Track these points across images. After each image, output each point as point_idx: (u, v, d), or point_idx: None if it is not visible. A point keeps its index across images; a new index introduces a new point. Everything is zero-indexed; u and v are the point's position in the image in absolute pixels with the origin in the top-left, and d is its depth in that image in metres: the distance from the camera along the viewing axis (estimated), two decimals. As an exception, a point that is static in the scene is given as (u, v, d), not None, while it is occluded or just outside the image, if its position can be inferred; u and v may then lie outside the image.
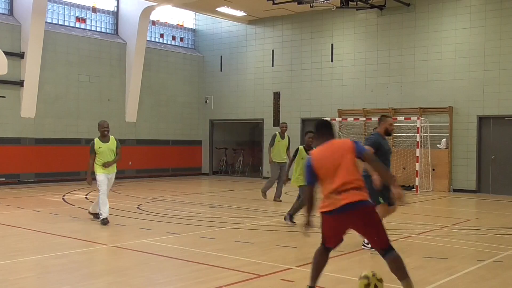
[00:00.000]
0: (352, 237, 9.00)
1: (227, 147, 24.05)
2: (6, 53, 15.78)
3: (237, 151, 24.27)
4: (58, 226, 9.61)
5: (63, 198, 14.02)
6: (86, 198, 14.17)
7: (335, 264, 7.02)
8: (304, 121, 20.87)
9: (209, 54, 23.66)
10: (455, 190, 17.27)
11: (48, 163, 18.40)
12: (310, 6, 18.13)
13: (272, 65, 21.71)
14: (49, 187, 16.74)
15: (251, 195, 16.25)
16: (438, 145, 17.53)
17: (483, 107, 16.95)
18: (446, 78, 17.60)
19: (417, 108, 17.90)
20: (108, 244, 8.01)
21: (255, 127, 24.12)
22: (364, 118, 18.70)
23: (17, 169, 17.73)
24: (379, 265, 6.99)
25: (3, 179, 17.33)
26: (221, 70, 23.25)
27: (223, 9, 20.33)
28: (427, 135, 17.60)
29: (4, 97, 17.11)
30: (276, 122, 21.45)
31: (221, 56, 23.22)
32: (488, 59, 16.86)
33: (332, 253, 7.60)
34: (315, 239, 9.04)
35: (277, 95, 21.54)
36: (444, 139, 17.42)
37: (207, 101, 23.55)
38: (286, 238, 8.96)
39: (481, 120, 17.08)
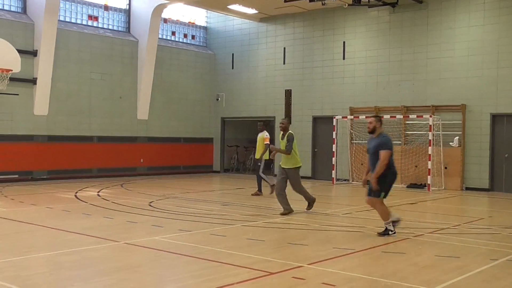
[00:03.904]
0: (364, 235, 8.98)
1: (239, 145, 24.06)
2: (20, 51, 15.92)
3: (248, 148, 24.26)
4: (70, 223, 9.66)
5: (75, 195, 14.11)
6: (98, 195, 14.25)
7: (347, 262, 7.00)
8: (315, 119, 20.81)
9: (221, 51, 23.68)
10: (467, 189, 17.15)
11: (60, 160, 18.52)
12: (322, 4, 18.06)
13: (284, 63, 21.67)
14: (61, 184, 16.85)
15: (263, 192, 16.23)
16: (450, 143, 17.41)
17: (496, 105, 16.80)
18: (459, 76, 17.46)
19: (429, 106, 17.79)
20: (120, 241, 8.04)
21: (267, 124, 24.02)
22: (376, 116, 18.60)
23: (30, 166, 17.86)
24: (391, 263, 6.96)
25: (16, 176, 17.47)
26: (232, 68, 23.25)
27: (235, 7, 20.31)
28: (439, 133, 17.49)
29: (17, 94, 17.23)
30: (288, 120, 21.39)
31: (233, 54, 23.22)
32: (502, 56, 16.71)
33: (343, 251, 7.61)
34: (327, 236, 9.02)
35: (288, 93, 21.50)
36: (457, 137, 17.29)
37: (219, 98, 23.57)
38: (297, 236, 8.94)
39: (495, 118, 16.94)
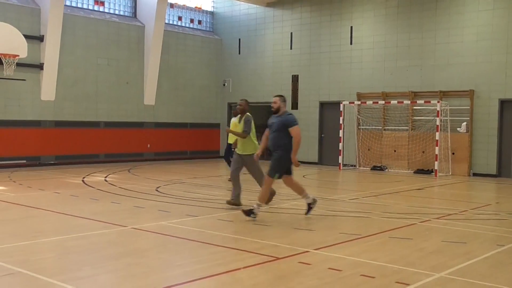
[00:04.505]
0: (371, 221, 8.98)
1: (245, 130, 24.01)
2: (26, 36, 15.91)
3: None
4: (78, 208, 9.72)
5: (83, 180, 14.18)
6: (106, 180, 14.31)
7: (353, 247, 7.01)
8: (322, 105, 20.75)
9: (227, 37, 23.58)
10: (475, 174, 17.10)
11: (67, 146, 18.59)
12: (329, -12, 17.91)
13: (291, 48, 21.57)
14: (69, 169, 16.93)
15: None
16: (458, 129, 17.33)
17: (505, 91, 16.68)
18: (468, 61, 17.33)
19: (437, 92, 17.69)
20: (127, 226, 8.08)
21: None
22: (383, 102, 18.55)
23: (38, 152, 17.95)
24: (398, 249, 6.96)
25: (24, 161, 17.57)
26: (239, 53, 23.17)
27: (241, -8, 20.18)
28: (447, 119, 17.41)
29: (24, 80, 17.28)
30: (295, 106, 21.38)
31: (239, 39, 23.12)
32: None
33: (349, 237, 7.63)
34: (334, 222, 9.03)
35: (295, 78, 21.43)
36: (465, 123, 17.21)
37: (225, 84, 23.53)
38: (304, 221, 8.96)
39: (503, 103, 16.83)
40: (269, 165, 8.82)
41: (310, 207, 9.16)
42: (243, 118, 10.23)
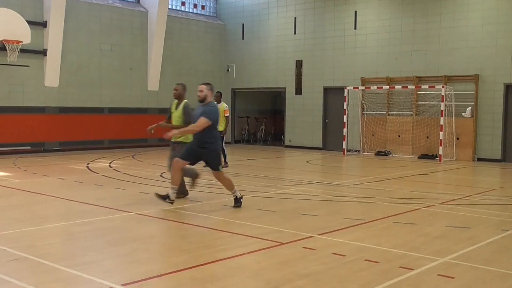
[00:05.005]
0: (375, 206, 8.99)
1: (249, 116, 24.04)
2: (29, 22, 15.88)
3: (259, 119, 24.25)
4: (83, 194, 9.75)
5: (87, 166, 14.21)
6: (110, 166, 14.34)
7: (357, 232, 7.03)
8: (326, 90, 20.69)
9: (231, 22, 23.47)
10: (479, 159, 17.07)
11: (72, 132, 18.61)
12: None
13: (295, 33, 21.46)
14: (73, 155, 16.97)
15: (273, 163, 16.29)
16: (463, 113, 17.26)
17: (510, 75, 16.57)
18: (473, 46, 17.21)
19: (442, 76, 17.59)
20: (132, 211, 8.11)
21: (277, 95, 24.01)
22: (387, 87, 18.48)
23: (42, 138, 17.98)
24: (402, 234, 6.97)
25: (29, 147, 17.61)
26: (243, 39, 23.07)
27: (245, -24, 20.04)
28: (451, 104, 17.33)
29: (28, 66, 17.26)
30: (299, 91, 21.33)
31: (243, 24, 23.01)
32: (517, 25, 16.43)
33: (353, 222, 7.64)
34: (338, 207, 9.04)
35: (299, 64, 21.34)
36: (469, 108, 17.13)
37: (229, 69, 23.46)
38: (308, 207, 8.98)
39: (508, 88, 16.73)
40: (212, 160, 8.39)
41: (239, 201, 8.56)
42: (182, 106, 9.17)
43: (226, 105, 14.46)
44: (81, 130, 18.81)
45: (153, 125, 9.55)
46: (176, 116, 9.15)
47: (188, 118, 8.87)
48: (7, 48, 15.45)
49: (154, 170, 13.41)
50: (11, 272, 5.12)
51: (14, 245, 6.09)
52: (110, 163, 15.07)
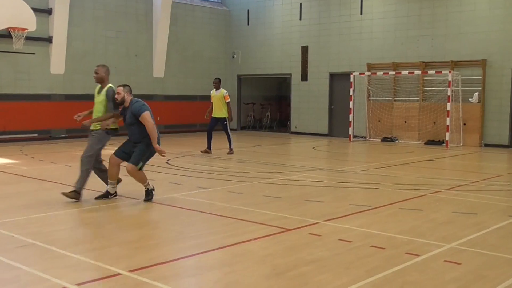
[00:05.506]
0: (381, 192, 8.99)
1: (255, 102, 24.00)
2: (34, 10, 15.83)
3: (264, 106, 24.22)
4: (89, 181, 9.76)
5: (93, 153, 14.23)
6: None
7: (364, 218, 7.03)
8: (332, 76, 20.60)
9: (236, 8, 23.35)
10: (486, 145, 17.00)
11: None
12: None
13: (300, 19, 21.33)
14: (79, 143, 16.98)
15: (279, 150, 16.29)
16: (470, 99, 17.17)
17: (518, 60, 16.45)
18: (480, 30, 17.05)
19: (448, 62, 17.47)
20: (139, 198, 8.14)
21: (283, 81, 23.94)
22: (393, 72, 18.37)
23: (49, 125, 18.03)
24: (408, 220, 6.98)
25: (35, 134, 17.67)
26: (248, 25, 22.96)
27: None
28: (458, 89, 17.23)
29: (34, 53, 17.26)
30: (304, 77, 21.26)
31: (248, 10, 22.89)
32: (525, 9, 16.26)
33: (359, 208, 7.65)
34: (344, 193, 9.04)
35: (305, 49, 21.24)
36: (477, 93, 17.03)
37: (234, 56, 23.38)
38: (314, 193, 8.98)
39: (516, 73, 16.62)
40: (133, 154, 7.88)
41: (151, 193, 8.01)
42: (105, 90, 8.24)
43: (225, 91, 14.48)
44: (87, 118, 18.81)
45: (85, 112, 8.60)
46: (98, 101, 8.29)
47: (112, 104, 8.14)
48: (12, 35, 15.44)
49: (160, 157, 13.38)
50: (19, 258, 5.17)
51: (22, 232, 6.13)
52: (116, 150, 15.07)
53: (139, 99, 8.12)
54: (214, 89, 14.56)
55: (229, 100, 14.41)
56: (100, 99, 8.29)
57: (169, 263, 5.15)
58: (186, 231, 6.40)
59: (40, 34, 17.13)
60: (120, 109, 8.16)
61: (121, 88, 7.99)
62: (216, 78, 14.74)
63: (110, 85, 8.29)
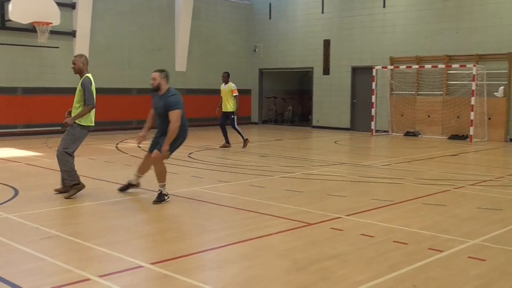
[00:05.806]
0: (404, 187, 8.90)
1: (277, 96, 23.96)
2: (58, 4, 16.01)
3: (286, 100, 24.16)
4: (112, 174, 9.89)
5: (116, 147, 14.38)
6: (139, 146, 14.46)
7: (386, 213, 6.98)
8: (354, 69, 20.45)
9: (258, 1, 23.29)
10: None
11: (101, 112, 18.55)
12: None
13: (322, 12, 21.20)
14: (102, 136, 17.17)
15: (301, 144, 16.25)
16: (495, 93, 16.90)
17: (545, 53, 16.13)
18: (506, 23, 16.75)
19: (473, 55, 17.20)
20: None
21: (305, 75, 23.84)
22: (417, 66, 18.16)
23: (72, 118, 18.20)
24: (431, 215, 6.90)
25: (59, 127, 17.86)
26: (270, 18, 22.89)
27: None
28: (483, 83, 16.97)
29: (58, 47, 17.45)
30: (326, 71, 21.14)
31: (270, 4, 22.82)
32: (553, 1, 15.92)
33: (381, 203, 7.58)
34: (366, 188, 8.98)
35: (327, 43, 21.11)
36: (502, 87, 16.75)
37: (256, 49, 23.34)
38: (335, 187, 8.94)
39: (542, 67, 16.30)
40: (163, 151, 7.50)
41: (163, 198, 7.48)
42: (81, 81, 8.01)
43: (233, 84, 14.49)
44: (110, 111, 18.97)
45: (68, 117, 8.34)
46: (77, 91, 7.98)
47: (88, 95, 7.85)
48: (37, 30, 15.64)
49: (182, 150, 13.42)
50: (44, 250, 5.24)
51: (47, 223, 6.22)
52: (139, 143, 15.17)
53: (177, 92, 7.68)
54: (223, 83, 14.58)
55: (236, 93, 14.40)
56: (77, 89, 7.94)
57: (190, 256, 5.17)
58: (207, 225, 6.42)
59: (64, 29, 17.31)
60: (153, 96, 7.81)
61: (157, 73, 7.62)
62: (224, 72, 14.75)
63: (87, 75, 7.98)
